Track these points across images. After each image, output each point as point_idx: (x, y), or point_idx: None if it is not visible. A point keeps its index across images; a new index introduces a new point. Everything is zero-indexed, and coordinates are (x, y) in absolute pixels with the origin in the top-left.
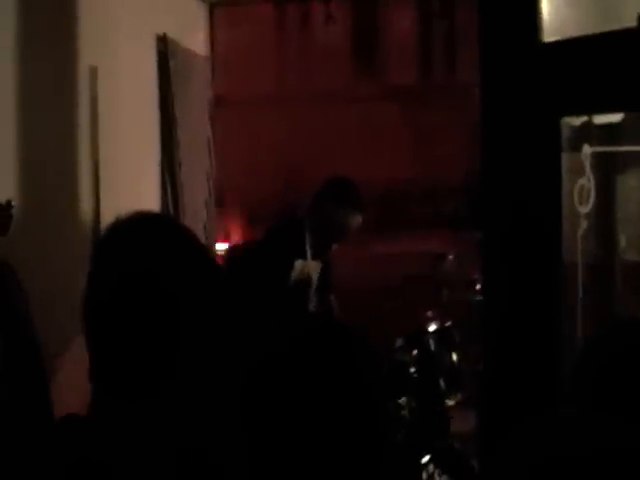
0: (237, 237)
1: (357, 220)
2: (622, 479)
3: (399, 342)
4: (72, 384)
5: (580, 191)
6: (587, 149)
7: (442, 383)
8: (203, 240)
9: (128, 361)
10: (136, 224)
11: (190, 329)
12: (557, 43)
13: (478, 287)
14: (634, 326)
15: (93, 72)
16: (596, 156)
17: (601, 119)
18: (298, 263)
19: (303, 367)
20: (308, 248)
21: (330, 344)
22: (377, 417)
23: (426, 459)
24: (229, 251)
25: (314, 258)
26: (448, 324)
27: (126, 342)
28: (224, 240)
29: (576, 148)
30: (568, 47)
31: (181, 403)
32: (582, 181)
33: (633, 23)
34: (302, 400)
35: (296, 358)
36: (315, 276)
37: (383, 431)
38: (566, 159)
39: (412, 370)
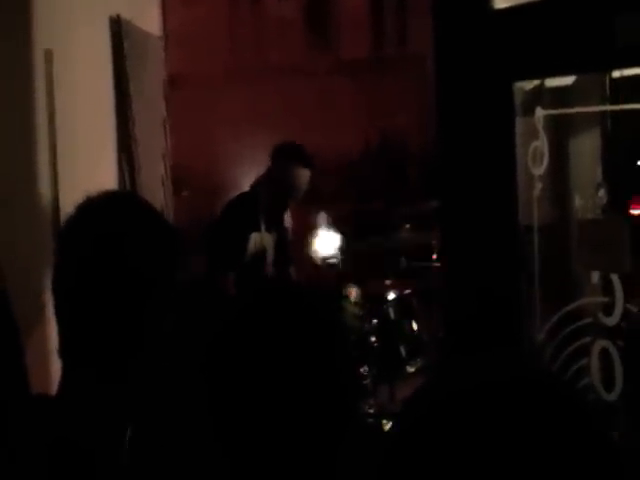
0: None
1: (306, 175)
2: (505, 409)
3: (359, 311)
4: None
5: (534, 153)
6: (540, 112)
7: (403, 351)
8: None
9: (98, 335)
10: (104, 203)
11: (157, 303)
12: (508, 9)
13: (435, 254)
14: None
15: (49, 55)
16: (549, 118)
17: (553, 82)
18: (253, 236)
19: (262, 332)
20: (262, 220)
21: (287, 305)
22: (343, 380)
23: (389, 426)
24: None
25: (268, 229)
26: (407, 292)
27: (96, 316)
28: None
29: (529, 112)
30: (519, 13)
31: (150, 380)
32: (536, 143)
33: None
34: (264, 367)
35: (253, 323)
36: (270, 248)
37: (350, 397)
38: (520, 123)
39: (372, 339)
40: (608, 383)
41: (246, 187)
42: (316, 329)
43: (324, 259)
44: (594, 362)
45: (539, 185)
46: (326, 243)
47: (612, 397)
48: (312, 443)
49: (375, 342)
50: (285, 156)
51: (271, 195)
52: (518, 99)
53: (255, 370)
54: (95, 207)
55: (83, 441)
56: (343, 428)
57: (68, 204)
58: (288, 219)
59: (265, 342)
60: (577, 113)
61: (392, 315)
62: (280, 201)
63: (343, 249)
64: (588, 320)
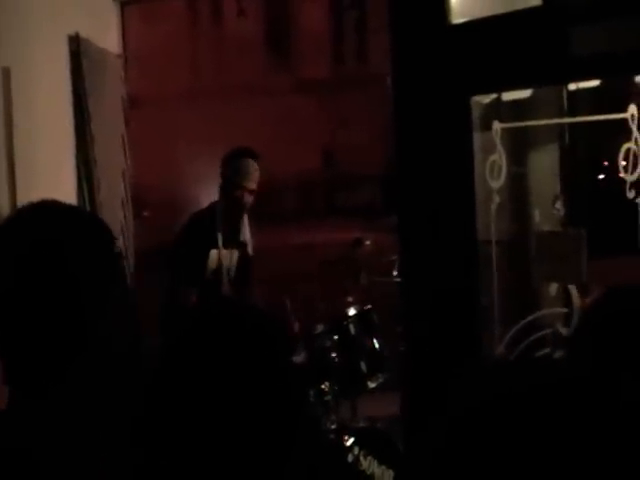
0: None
1: (252, 165)
2: (567, 410)
3: (320, 328)
4: None
5: (492, 167)
6: (497, 125)
7: (363, 366)
8: (120, 239)
9: (32, 357)
10: (33, 214)
11: (92, 321)
12: (465, 24)
13: (396, 270)
14: (629, 291)
15: (6, 73)
16: (506, 132)
17: (510, 96)
18: (212, 253)
19: (200, 359)
20: (219, 235)
21: (223, 329)
22: (286, 400)
23: (350, 441)
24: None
25: (226, 245)
26: (368, 308)
27: (29, 337)
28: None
29: (487, 126)
30: (476, 28)
31: (85, 397)
32: (493, 157)
33: (538, 2)
34: (200, 394)
35: (191, 349)
36: (229, 264)
37: (296, 419)
38: (477, 137)
39: (333, 355)
40: None
41: (205, 204)
42: (250, 355)
43: None
44: None
45: (497, 199)
46: None
47: None
48: (259, 463)
49: (336, 358)
50: (229, 156)
51: (224, 198)
52: (476, 113)
53: (193, 406)
54: (22, 221)
55: (27, 451)
56: (289, 451)
57: None
58: (247, 234)
59: (200, 374)
60: (534, 126)
61: (353, 331)
62: (234, 203)
63: None
64: (547, 331)
